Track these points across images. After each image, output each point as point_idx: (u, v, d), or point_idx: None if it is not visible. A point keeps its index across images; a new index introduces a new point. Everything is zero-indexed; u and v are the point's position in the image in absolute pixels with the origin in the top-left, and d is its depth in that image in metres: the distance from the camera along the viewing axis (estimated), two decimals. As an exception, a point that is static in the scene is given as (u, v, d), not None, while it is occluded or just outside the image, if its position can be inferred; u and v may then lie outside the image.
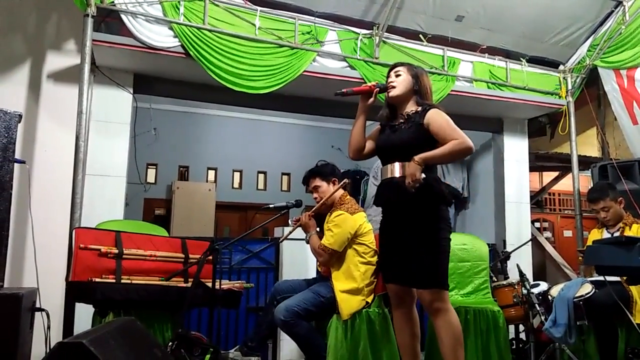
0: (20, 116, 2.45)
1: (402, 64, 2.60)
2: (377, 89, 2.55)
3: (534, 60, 5.01)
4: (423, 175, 2.26)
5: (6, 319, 2.10)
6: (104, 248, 2.61)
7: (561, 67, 5.13)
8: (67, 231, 3.06)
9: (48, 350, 2.36)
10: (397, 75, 2.55)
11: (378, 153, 2.61)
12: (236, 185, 7.94)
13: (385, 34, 4.28)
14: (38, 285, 2.56)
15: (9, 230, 2.33)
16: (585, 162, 5.50)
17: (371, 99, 2.55)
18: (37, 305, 2.48)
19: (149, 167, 7.30)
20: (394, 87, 2.53)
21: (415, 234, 2.35)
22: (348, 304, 2.86)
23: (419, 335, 2.55)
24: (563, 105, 5.03)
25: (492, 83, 4.74)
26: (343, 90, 2.56)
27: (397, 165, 2.43)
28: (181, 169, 7.61)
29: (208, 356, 2.34)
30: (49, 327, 2.47)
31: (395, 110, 2.58)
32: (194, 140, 7.61)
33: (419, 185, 2.25)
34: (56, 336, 2.70)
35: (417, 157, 2.28)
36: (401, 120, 2.51)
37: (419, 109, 2.47)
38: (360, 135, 2.60)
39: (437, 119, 2.38)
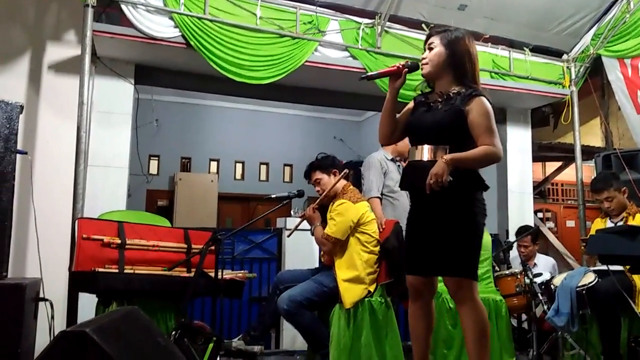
0: (22, 107, 2.45)
1: (436, 32, 2.28)
2: (406, 68, 2.28)
3: (537, 50, 4.98)
4: (450, 179, 2.03)
5: (10, 309, 2.12)
6: (106, 238, 2.61)
7: (565, 57, 5.09)
8: (70, 222, 3.07)
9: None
10: (431, 49, 2.26)
11: (408, 132, 2.35)
12: (238, 176, 7.96)
13: (388, 23, 4.25)
14: (41, 276, 2.57)
15: (12, 221, 2.34)
16: (589, 152, 5.47)
17: (399, 80, 2.29)
18: (41, 296, 2.49)
19: (151, 158, 7.32)
20: (426, 64, 2.26)
21: (447, 219, 2.15)
22: (350, 293, 2.87)
23: (433, 329, 2.42)
24: (566, 95, 5.01)
25: (495, 73, 4.71)
26: (368, 74, 2.38)
27: (426, 147, 2.20)
28: (183, 160, 7.62)
29: (211, 345, 2.35)
30: (52, 317, 2.48)
31: (434, 85, 2.31)
32: (196, 131, 7.61)
33: (442, 185, 2.03)
34: (60, 326, 2.72)
35: (447, 157, 2.06)
36: (438, 99, 2.24)
37: (463, 90, 2.19)
38: (389, 118, 2.34)
39: (480, 112, 2.14)
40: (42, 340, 2.44)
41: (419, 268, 2.26)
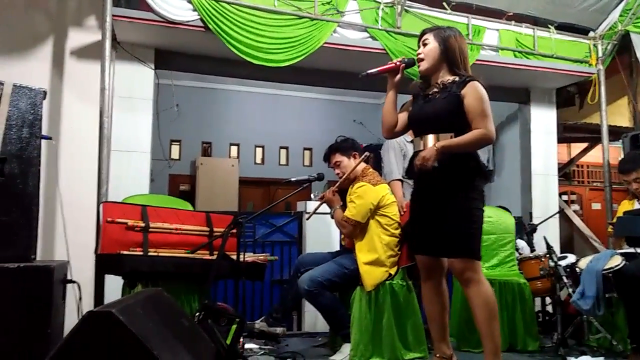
0: (45, 93, 2.47)
1: (430, 30, 2.46)
2: (403, 64, 2.46)
3: (562, 27, 4.84)
4: (435, 164, 2.21)
5: (39, 291, 2.16)
6: (130, 222, 2.65)
7: (591, 34, 4.94)
8: (95, 206, 3.12)
9: (80, 320, 2.42)
10: (425, 45, 2.41)
11: (410, 125, 2.51)
12: (259, 160, 7.99)
13: (408, 2, 4.17)
14: (69, 258, 2.63)
15: (39, 206, 2.38)
16: (616, 133, 5.34)
17: (398, 76, 2.46)
18: (69, 278, 2.54)
19: (173, 143, 7.39)
20: (422, 59, 2.41)
21: (447, 203, 2.28)
22: (371, 276, 2.87)
23: (448, 308, 2.52)
24: (593, 74, 4.86)
25: (519, 52, 4.60)
26: (367, 72, 2.48)
27: (430, 137, 2.35)
28: (204, 145, 7.68)
29: (234, 326, 2.37)
30: (80, 298, 2.54)
31: (429, 80, 2.46)
32: (217, 116, 7.64)
33: (426, 169, 2.23)
34: (88, 307, 2.76)
35: (438, 144, 2.23)
36: (435, 90, 2.40)
37: (457, 78, 2.36)
38: (391, 112, 2.50)
39: (474, 96, 2.27)
40: (70, 321, 2.48)
41: (425, 248, 2.40)
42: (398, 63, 2.47)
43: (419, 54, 2.43)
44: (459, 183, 2.29)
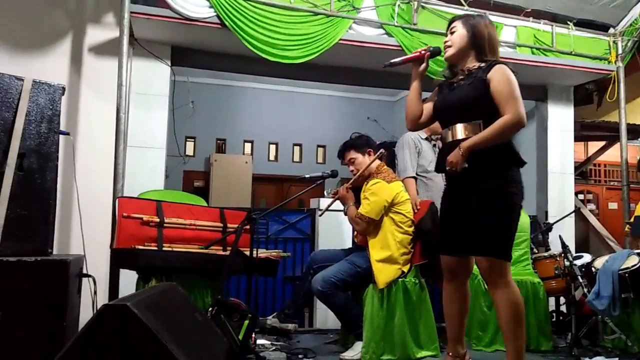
0: (64, 89, 2.51)
1: (458, 18, 2.35)
2: (428, 53, 2.39)
3: (581, 24, 4.76)
4: (465, 165, 2.12)
5: (55, 284, 2.20)
6: (145, 217, 2.68)
7: (611, 31, 4.85)
8: (111, 200, 3.16)
9: (95, 314, 2.46)
10: (452, 32, 2.32)
11: (436, 115, 2.40)
12: (272, 157, 8.01)
13: (424, -2, 4.14)
14: (84, 253, 2.66)
15: (56, 200, 2.42)
16: (635, 131, 5.26)
17: (423, 66, 2.39)
18: (84, 272, 2.58)
19: (188, 140, 7.44)
20: (449, 46, 2.31)
21: (482, 198, 2.16)
22: (384, 273, 2.86)
23: (468, 310, 2.43)
24: (612, 71, 4.78)
25: (537, 48, 4.54)
26: (391, 61, 2.41)
27: (459, 127, 2.23)
28: (219, 141, 7.72)
29: (247, 322, 2.39)
30: (95, 292, 2.58)
31: (455, 68, 2.36)
32: (231, 113, 7.68)
33: (460, 172, 2.14)
34: (102, 301, 2.82)
35: (463, 146, 2.12)
36: (460, 77, 2.29)
37: (482, 64, 2.24)
38: (415, 102, 2.41)
39: (500, 79, 2.15)
40: (85, 315, 2.53)
41: (451, 247, 2.30)
42: (423, 52, 2.40)
43: (446, 41, 2.34)
44: (494, 175, 2.17)
